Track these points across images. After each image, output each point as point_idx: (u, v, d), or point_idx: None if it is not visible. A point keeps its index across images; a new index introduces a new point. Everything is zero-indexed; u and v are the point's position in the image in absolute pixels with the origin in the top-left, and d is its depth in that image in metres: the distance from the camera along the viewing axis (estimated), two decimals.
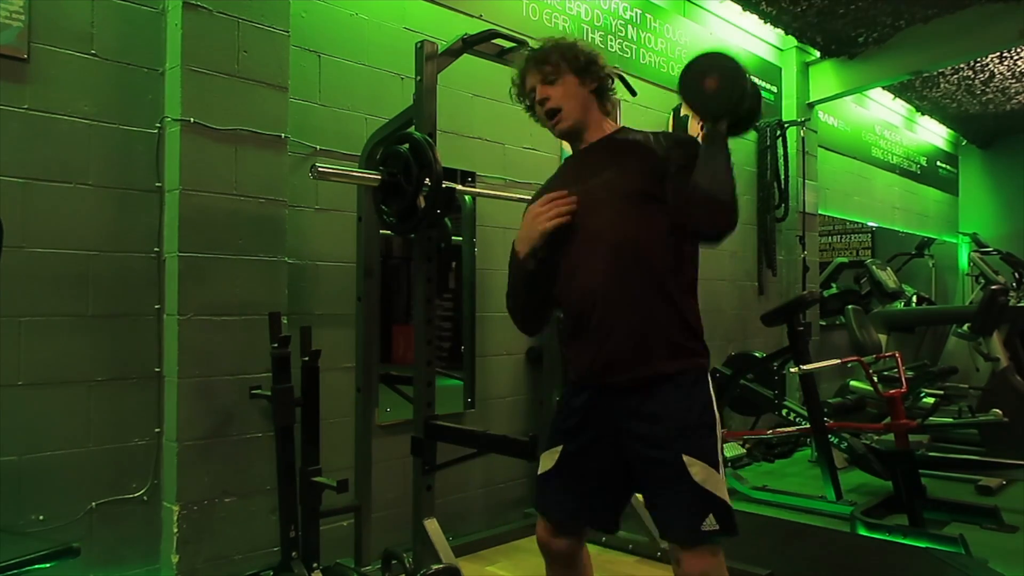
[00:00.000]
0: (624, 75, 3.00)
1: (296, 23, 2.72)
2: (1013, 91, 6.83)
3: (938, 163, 8.56)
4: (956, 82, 6.63)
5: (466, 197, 3.36)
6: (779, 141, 5.29)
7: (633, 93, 3.11)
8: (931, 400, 4.58)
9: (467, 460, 2.46)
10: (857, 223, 7.38)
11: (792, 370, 3.69)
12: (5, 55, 2.20)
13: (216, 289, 2.44)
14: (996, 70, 6.28)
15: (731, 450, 4.29)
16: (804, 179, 5.58)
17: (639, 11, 4.33)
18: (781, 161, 5.31)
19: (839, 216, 6.75)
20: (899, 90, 6.94)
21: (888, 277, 6.00)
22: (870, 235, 7.91)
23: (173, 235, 2.40)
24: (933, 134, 8.39)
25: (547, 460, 1.74)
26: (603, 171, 1.68)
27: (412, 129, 2.34)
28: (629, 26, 4.26)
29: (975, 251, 6.20)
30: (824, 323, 6.04)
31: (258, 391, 2.44)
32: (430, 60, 2.37)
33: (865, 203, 6.99)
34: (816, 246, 5.89)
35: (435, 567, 2.22)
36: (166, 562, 2.38)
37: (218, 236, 2.44)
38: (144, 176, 2.46)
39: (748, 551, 2.76)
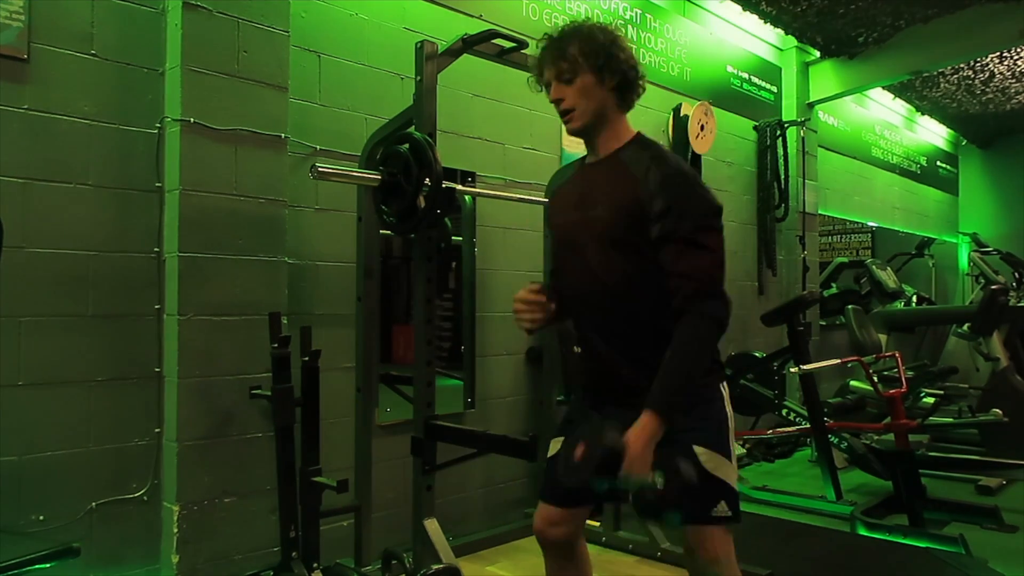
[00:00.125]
0: None
1: (296, 23, 2.72)
2: (1013, 91, 6.83)
3: (938, 163, 8.56)
4: (956, 82, 6.63)
5: (466, 197, 3.36)
6: (779, 141, 5.29)
7: None
8: (931, 400, 4.57)
9: (467, 460, 2.46)
10: (857, 223, 7.39)
11: (792, 370, 3.70)
12: (5, 55, 2.20)
13: (216, 289, 2.44)
14: (996, 70, 6.27)
15: None
16: (804, 179, 5.58)
17: (639, 11, 4.33)
18: (781, 161, 5.31)
19: (839, 216, 6.75)
20: (899, 90, 6.94)
21: (888, 277, 6.00)
22: (870, 235, 7.91)
23: (173, 235, 2.40)
24: (933, 134, 8.39)
25: (553, 446, 1.78)
26: (597, 204, 1.65)
27: (412, 129, 2.33)
28: (629, 26, 4.26)
29: (975, 251, 6.20)
30: (824, 323, 6.04)
31: (258, 391, 2.44)
32: (430, 60, 2.37)
33: (865, 203, 6.99)
34: (816, 246, 5.89)
35: (435, 567, 2.22)
36: (166, 562, 2.38)
37: (218, 236, 2.44)
38: (144, 176, 2.46)
39: (748, 551, 2.75)
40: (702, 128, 4.55)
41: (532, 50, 2.67)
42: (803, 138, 5.59)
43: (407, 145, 2.25)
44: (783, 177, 5.33)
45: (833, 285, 6.65)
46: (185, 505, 2.36)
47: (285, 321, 2.53)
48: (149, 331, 2.45)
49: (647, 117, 4.37)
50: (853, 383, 4.69)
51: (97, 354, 2.36)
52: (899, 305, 5.97)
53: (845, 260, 6.94)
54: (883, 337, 5.42)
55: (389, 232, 2.70)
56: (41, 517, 2.25)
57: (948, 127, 8.44)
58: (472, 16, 3.37)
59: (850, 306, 5.34)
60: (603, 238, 1.61)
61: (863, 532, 3.24)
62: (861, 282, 6.37)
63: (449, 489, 3.18)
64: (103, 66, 2.38)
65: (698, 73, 4.76)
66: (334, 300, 2.88)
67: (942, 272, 8.31)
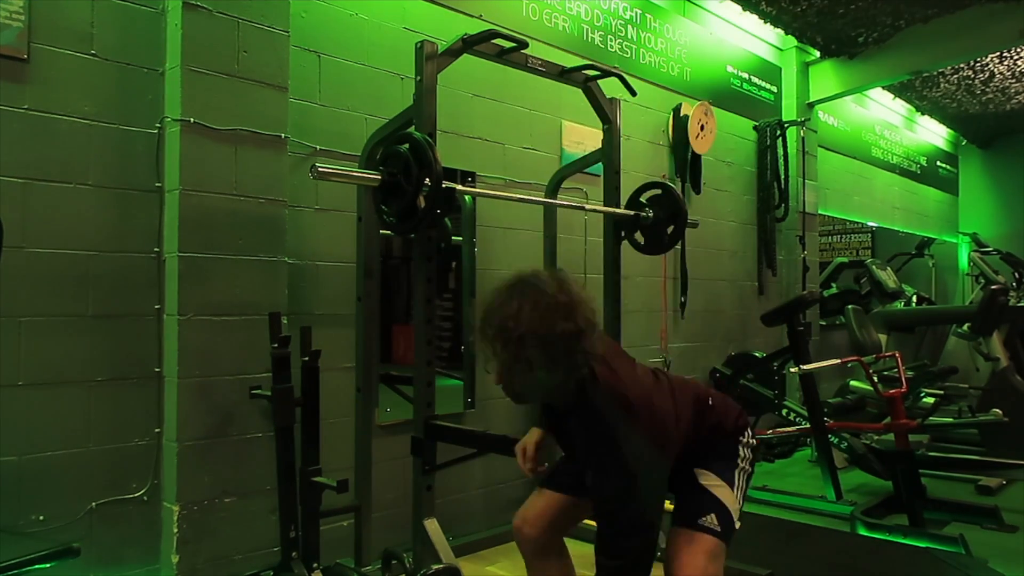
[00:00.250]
0: (624, 75, 3.01)
1: (296, 23, 2.72)
2: (1013, 91, 6.83)
3: (938, 163, 8.56)
4: (956, 82, 6.63)
5: (466, 197, 3.36)
6: (779, 141, 5.29)
7: (633, 93, 3.12)
8: (931, 400, 4.58)
9: (467, 460, 2.46)
10: (857, 223, 7.39)
11: (792, 370, 3.70)
12: (5, 55, 2.20)
13: (216, 289, 2.44)
14: (996, 70, 6.27)
15: None
16: (804, 179, 5.58)
17: (639, 11, 4.33)
18: (781, 161, 5.31)
19: (839, 216, 6.75)
20: (899, 90, 6.94)
21: (888, 277, 6.00)
22: (870, 235, 7.91)
23: (173, 235, 2.40)
24: (933, 134, 8.39)
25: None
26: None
27: (412, 129, 2.33)
28: (629, 26, 4.26)
29: (975, 251, 6.20)
30: (824, 323, 6.04)
31: (258, 391, 2.44)
32: (430, 60, 2.37)
33: (865, 203, 6.99)
34: (816, 246, 5.89)
35: (435, 567, 2.22)
36: (166, 562, 2.38)
37: (218, 236, 2.44)
38: (144, 176, 2.46)
39: (748, 551, 2.76)
40: (702, 128, 4.55)
41: (531, 49, 2.68)
42: (803, 138, 5.59)
43: (407, 145, 2.25)
44: (783, 177, 5.33)
45: (833, 285, 6.66)
46: (185, 505, 2.36)
47: (285, 321, 2.53)
48: (149, 331, 2.45)
49: (647, 117, 4.38)
50: (853, 383, 4.69)
51: (97, 354, 2.36)
52: (899, 305, 5.97)
53: (845, 260, 6.95)
54: (883, 337, 5.42)
55: (389, 232, 2.70)
56: (41, 517, 2.25)
57: (948, 127, 8.44)
58: (472, 16, 3.37)
59: (850, 306, 5.35)
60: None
61: (863, 532, 3.24)
62: (861, 282, 6.37)
63: (449, 489, 3.18)
64: (103, 66, 2.38)
65: (698, 73, 4.76)
66: (334, 300, 2.87)
67: (942, 272, 8.31)
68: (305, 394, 2.37)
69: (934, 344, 5.80)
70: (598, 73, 2.88)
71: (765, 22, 5.14)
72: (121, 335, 2.41)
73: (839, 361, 3.78)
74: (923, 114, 7.82)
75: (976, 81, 6.56)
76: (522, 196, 3.25)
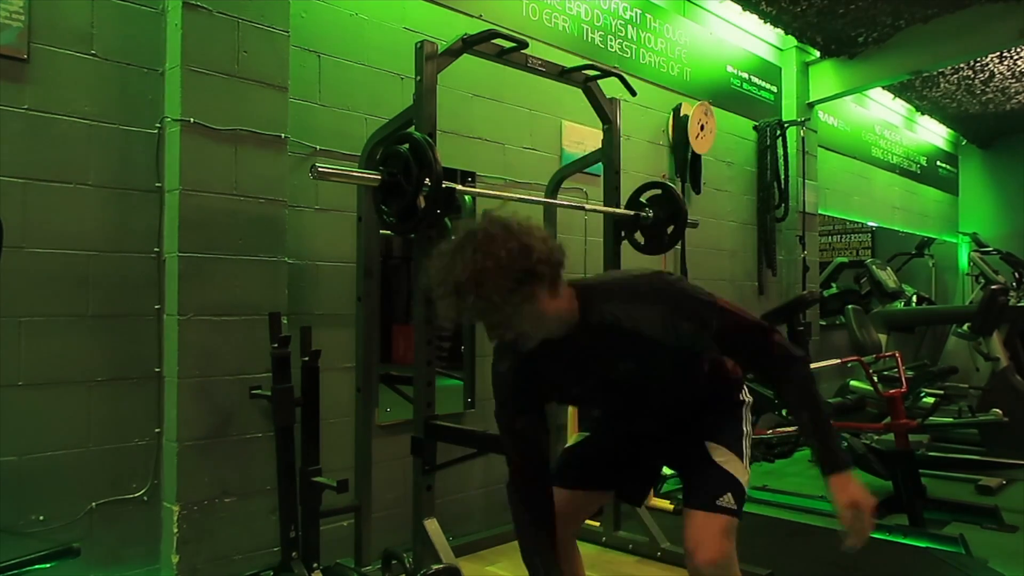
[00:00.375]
0: (624, 75, 3.01)
1: (296, 23, 2.72)
2: (1013, 91, 6.83)
3: (938, 163, 8.56)
4: (956, 82, 6.62)
5: (466, 197, 3.36)
6: (779, 141, 5.29)
7: (633, 93, 3.12)
8: (931, 400, 4.57)
9: (467, 460, 2.46)
10: (857, 223, 7.39)
11: None
12: (5, 55, 2.20)
13: (216, 289, 2.44)
14: (996, 70, 6.27)
15: None
16: (804, 179, 5.57)
17: (639, 11, 4.33)
18: (781, 161, 5.31)
19: (839, 216, 6.75)
20: (899, 90, 6.94)
21: (888, 277, 6.00)
22: (870, 235, 7.91)
23: (173, 235, 2.40)
24: (933, 134, 8.39)
25: (574, 437, 1.89)
26: (620, 361, 1.62)
27: (412, 129, 2.33)
28: (629, 26, 4.26)
29: (975, 251, 6.20)
30: (824, 323, 6.04)
31: (258, 391, 2.44)
32: (430, 60, 2.37)
33: (865, 203, 6.99)
34: (816, 246, 5.89)
35: (435, 567, 2.22)
36: (166, 562, 2.38)
37: (218, 236, 2.44)
38: (144, 176, 2.46)
39: (748, 551, 2.75)
40: (702, 128, 4.55)
41: (531, 49, 2.68)
42: (803, 138, 5.59)
43: (407, 145, 2.25)
44: (783, 177, 5.33)
45: (833, 285, 6.65)
46: (185, 505, 2.36)
47: (285, 321, 2.53)
48: (149, 331, 2.45)
49: (647, 117, 4.38)
50: (853, 383, 4.69)
51: (97, 354, 2.36)
52: (899, 305, 5.97)
53: (845, 260, 6.95)
54: (883, 337, 5.42)
55: (389, 232, 2.70)
56: (41, 517, 2.25)
57: (948, 127, 8.43)
58: (472, 16, 3.37)
59: (850, 306, 5.35)
60: (664, 378, 1.66)
61: None
62: (861, 282, 6.37)
63: (449, 489, 3.18)
64: (103, 66, 2.38)
65: (698, 73, 4.76)
66: (334, 300, 2.87)
67: (942, 272, 8.31)
68: (305, 394, 2.37)
69: (934, 344, 5.80)
70: (598, 73, 2.88)
71: (765, 22, 5.14)
72: (121, 335, 2.41)
73: (839, 361, 3.78)
74: (923, 114, 7.82)
75: (976, 81, 6.56)
76: (522, 196, 3.25)
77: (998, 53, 5.80)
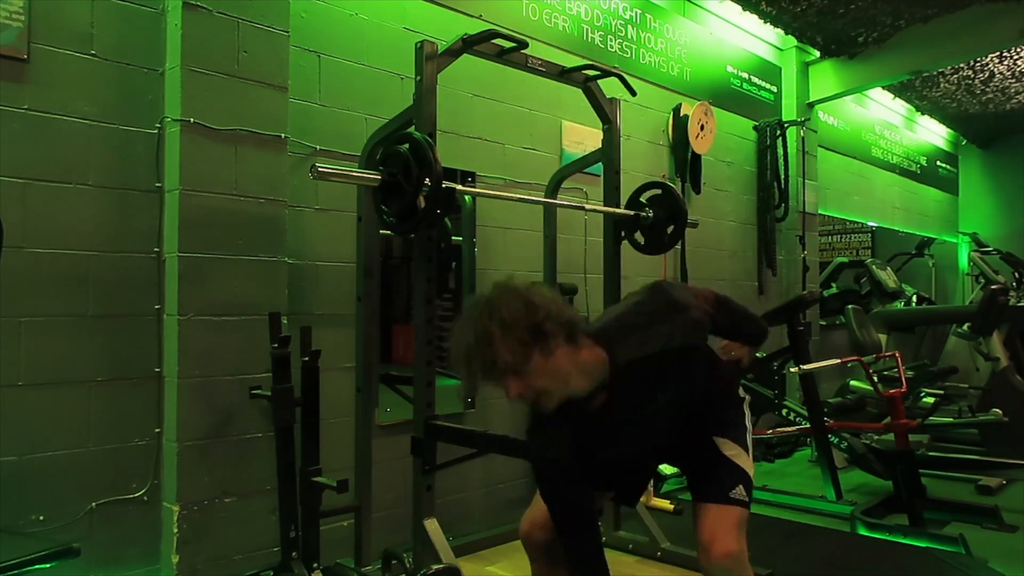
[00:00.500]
0: (624, 75, 3.01)
1: (296, 23, 2.72)
2: (1013, 91, 6.83)
3: (938, 163, 8.56)
4: (956, 82, 6.62)
5: (466, 197, 3.36)
6: (779, 141, 5.29)
7: (633, 93, 3.11)
8: (931, 400, 4.58)
9: (467, 460, 2.46)
10: (857, 223, 7.38)
11: (792, 370, 3.70)
12: (5, 55, 2.20)
13: (216, 289, 2.44)
14: (996, 70, 6.27)
15: None
16: (804, 179, 5.57)
17: (639, 11, 4.33)
18: (781, 161, 5.31)
19: (839, 216, 6.75)
20: (899, 90, 6.94)
21: (888, 277, 6.00)
22: (870, 235, 7.91)
23: (173, 235, 2.40)
24: (933, 134, 8.39)
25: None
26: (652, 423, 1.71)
27: (412, 129, 2.33)
28: (629, 26, 4.26)
29: (975, 251, 6.20)
30: (824, 323, 6.04)
31: (258, 391, 2.44)
32: (430, 60, 2.37)
33: (865, 203, 6.99)
34: (816, 246, 5.89)
35: (435, 567, 2.22)
36: (166, 562, 2.38)
37: (218, 236, 2.44)
38: (144, 176, 2.46)
39: (748, 551, 2.76)
40: (702, 128, 4.55)
41: (531, 49, 2.68)
42: (803, 138, 5.59)
43: (407, 145, 2.25)
44: (783, 177, 5.33)
45: (833, 285, 6.65)
46: (185, 505, 2.36)
47: (285, 321, 2.53)
48: (149, 331, 2.45)
49: (647, 117, 4.38)
50: (853, 383, 4.69)
51: (97, 354, 2.36)
52: (899, 305, 5.97)
53: (845, 260, 6.95)
54: (883, 337, 5.41)
55: (389, 232, 2.70)
56: (41, 517, 2.25)
57: (948, 127, 8.43)
58: (472, 16, 3.37)
59: (850, 306, 5.34)
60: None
61: (863, 532, 3.24)
62: (861, 282, 6.37)
63: (449, 489, 3.18)
64: (103, 66, 2.38)
65: (698, 73, 4.76)
66: (334, 300, 2.87)
67: (942, 272, 8.31)
68: (305, 394, 2.37)
69: (934, 344, 5.80)
70: (598, 73, 2.88)
71: (765, 22, 5.14)
72: (121, 335, 2.41)
73: (839, 361, 3.78)
74: (923, 114, 7.82)
75: (976, 81, 6.56)
76: (522, 196, 3.25)
77: (998, 53, 5.80)
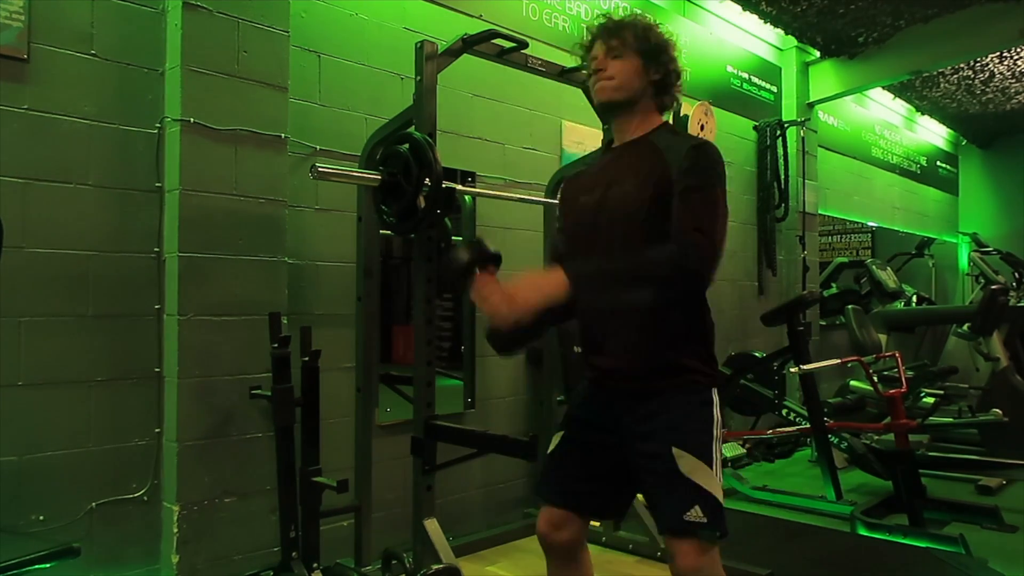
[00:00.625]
0: None
1: (296, 23, 2.72)
2: (1013, 91, 6.83)
3: (938, 163, 8.56)
4: (956, 82, 6.63)
5: (466, 197, 3.36)
6: (779, 141, 5.29)
7: None
8: (931, 400, 4.58)
9: (467, 460, 2.46)
10: (857, 223, 7.39)
11: (792, 370, 3.69)
12: (5, 55, 2.20)
13: (216, 289, 2.44)
14: (996, 70, 6.27)
15: (731, 450, 4.30)
16: (804, 179, 5.58)
17: (639, 11, 4.31)
18: (781, 161, 5.31)
19: (839, 216, 6.75)
20: (899, 90, 6.94)
21: (888, 277, 6.00)
22: (870, 235, 7.91)
23: (173, 235, 2.40)
24: (933, 134, 8.39)
25: (553, 441, 1.79)
26: (624, 181, 1.64)
27: (412, 129, 2.33)
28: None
29: (975, 251, 6.20)
30: (824, 323, 6.04)
31: (258, 391, 2.44)
32: (430, 60, 2.37)
33: (865, 203, 6.99)
34: (816, 246, 5.89)
35: (435, 567, 2.22)
36: (166, 562, 2.38)
37: (218, 236, 2.44)
38: (144, 176, 2.46)
39: (748, 551, 2.76)
40: (702, 128, 4.55)
41: (531, 49, 2.69)
42: (803, 138, 5.59)
43: (407, 145, 2.25)
44: (783, 177, 5.33)
45: (833, 285, 6.65)
46: (185, 505, 2.36)
47: (285, 321, 2.53)
48: (149, 331, 2.45)
49: None
50: (853, 383, 4.69)
51: (97, 354, 2.36)
52: (899, 305, 5.97)
53: (845, 260, 6.95)
54: (883, 337, 5.42)
55: (389, 232, 2.70)
56: (41, 517, 2.25)
57: (948, 127, 8.44)
58: (472, 16, 3.37)
59: (850, 306, 5.34)
60: (629, 215, 1.60)
61: (863, 532, 3.24)
62: (861, 282, 6.37)
63: (449, 489, 3.18)
64: (103, 66, 2.38)
65: (698, 73, 4.76)
66: (334, 300, 2.88)
67: (942, 272, 8.31)
68: (305, 394, 2.37)
69: (934, 344, 5.80)
70: None
71: (765, 22, 5.14)
72: (121, 335, 2.41)
73: (839, 361, 3.78)
74: (923, 114, 7.82)
75: (976, 81, 6.56)
76: (522, 196, 3.25)
77: (998, 53, 5.80)
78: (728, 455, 4.04)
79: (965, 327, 5.11)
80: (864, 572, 2.87)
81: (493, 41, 2.52)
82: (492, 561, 3.01)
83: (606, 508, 1.79)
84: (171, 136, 2.43)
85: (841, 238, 8.10)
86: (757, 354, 4.46)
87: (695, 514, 1.50)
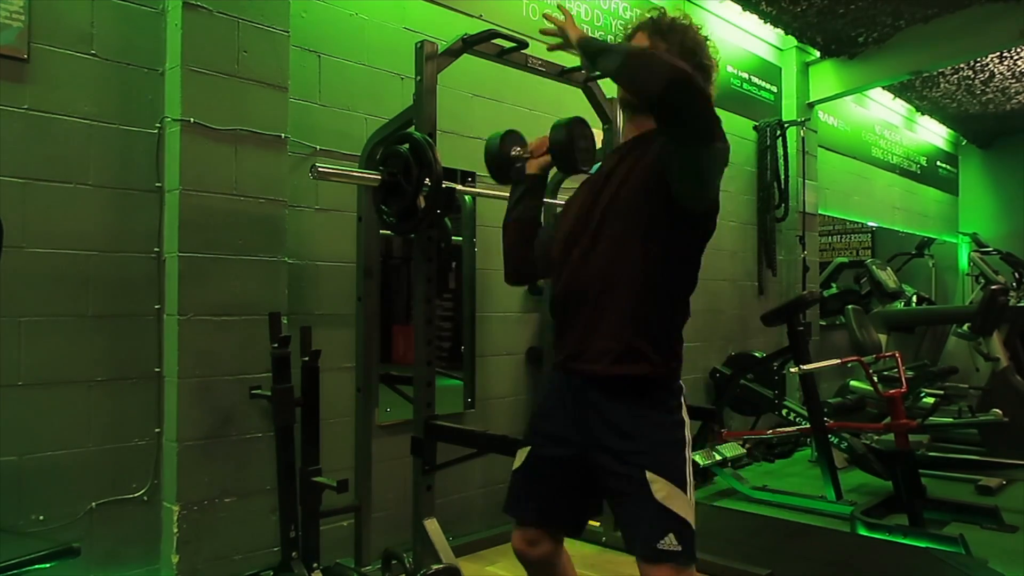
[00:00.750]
0: None
1: (296, 23, 2.72)
2: (1013, 91, 6.83)
3: (938, 163, 8.56)
4: (956, 82, 6.63)
5: (466, 197, 3.36)
6: (779, 141, 5.29)
7: None
8: (931, 400, 4.58)
9: (467, 460, 2.46)
10: (857, 223, 7.39)
11: (792, 370, 3.70)
12: (5, 55, 2.20)
13: (216, 289, 2.44)
14: (996, 70, 6.28)
15: (731, 450, 4.30)
16: (804, 179, 5.58)
17: (639, 11, 4.32)
18: (781, 161, 5.31)
19: (839, 216, 6.75)
20: (899, 90, 6.94)
21: (888, 277, 6.00)
22: (870, 235, 7.91)
23: (173, 235, 2.40)
24: (933, 134, 8.39)
25: (519, 457, 1.74)
26: (619, 172, 1.65)
27: (412, 129, 2.34)
28: (629, 26, 4.25)
29: (975, 251, 6.20)
30: (824, 323, 6.04)
31: (258, 391, 2.44)
32: (430, 60, 2.37)
33: (865, 203, 6.99)
34: (816, 246, 5.89)
35: (435, 567, 2.22)
36: (166, 562, 2.38)
37: (218, 236, 2.44)
38: (144, 176, 2.46)
39: (748, 551, 2.76)
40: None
41: (531, 49, 2.69)
42: (803, 138, 5.59)
43: (407, 145, 2.25)
44: (783, 177, 5.33)
45: (833, 285, 6.65)
46: (185, 505, 2.36)
47: (285, 321, 2.54)
48: (149, 331, 2.45)
49: None
50: (853, 383, 4.69)
51: (97, 354, 2.36)
52: (899, 305, 5.97)
53: (845, 260, 6.95)
54: (883, 337, 5.42)
55: (389, 232, 2.70)
56: (41, 517, 2.25)
57: (948, 127, 8.44)
58: (472, 16, 3.37)
59: (850, 306, 5.35)
60: (626, 192, 1.60)
61: (863, 532, 3.24)
62: (861, 282, 6.37)
63: (449, 489, 3.18)
64: (103, 66, 2.38)
65: None
66: (334, 300, 2.88)
67: (942, 272, 8.31)
68: (305, 394, 2.37)
69: (934, 344, 5.80)
70: (598, 73, 2.88)
71: (765, 22, 5.14)
72: (121, 335, 2.41)
73: (839, 361, 3.78)
74: (923, 114, 7.82)
75: (976, 81, 6.56)
76: None
77: (998, 53, 5.80)
78: (728, 455, 4.03)
79: (965, 327, 5.11)
80: (864, 572, 2.87)
81: (493, 41, 2.52)
82: (492, 561, 3.01)
83: (580, 518, 1.73)
84: (171, 136, 2.43)
85: (841, 238, 8.11)
86: (757, 354, 4.46)
87: (669, 543, 1.46)
